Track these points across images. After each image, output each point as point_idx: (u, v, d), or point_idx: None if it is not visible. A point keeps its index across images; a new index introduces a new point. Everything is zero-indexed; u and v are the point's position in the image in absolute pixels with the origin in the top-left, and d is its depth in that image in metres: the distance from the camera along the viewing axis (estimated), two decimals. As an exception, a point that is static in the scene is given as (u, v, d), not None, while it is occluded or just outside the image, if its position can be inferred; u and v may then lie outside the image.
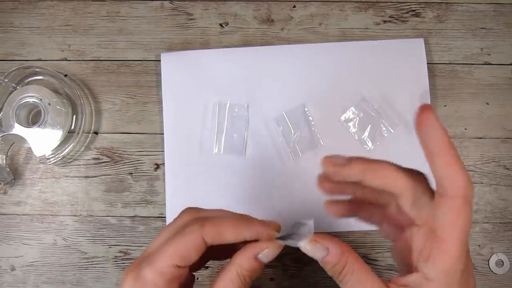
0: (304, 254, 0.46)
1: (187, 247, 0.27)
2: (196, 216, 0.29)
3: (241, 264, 0.28)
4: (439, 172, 0.24)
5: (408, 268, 0.27)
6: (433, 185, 0.25)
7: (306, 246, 0.28)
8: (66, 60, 0.46)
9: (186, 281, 0.29)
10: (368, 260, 0.44)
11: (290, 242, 0.29)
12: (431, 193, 0.26)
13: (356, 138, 0.44)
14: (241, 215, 0.30)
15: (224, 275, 0.28)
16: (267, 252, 0.28)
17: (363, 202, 0.31)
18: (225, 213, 0.30)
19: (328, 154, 0.29)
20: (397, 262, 0.29)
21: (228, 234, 0.27)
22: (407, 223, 0.27)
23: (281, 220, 0.45)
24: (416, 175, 0.27)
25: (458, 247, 0.24)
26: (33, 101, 0.43)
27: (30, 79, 0.45)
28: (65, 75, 0.46)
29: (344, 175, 0.28)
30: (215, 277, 0.30)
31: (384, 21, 0.47)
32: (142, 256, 0.28)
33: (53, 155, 0.43)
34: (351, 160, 0.28)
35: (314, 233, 0.27)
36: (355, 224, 0.44)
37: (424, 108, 0.24)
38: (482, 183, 0.45)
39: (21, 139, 0.43)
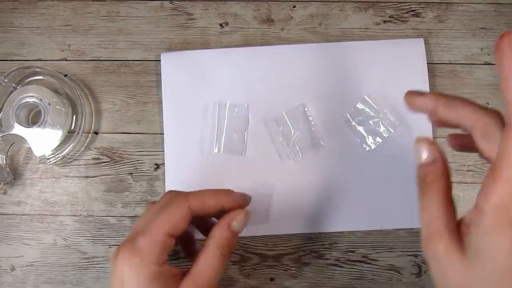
0: (303, 254, 0.46)
1: (177, 216, 0.30)
2: (178, 192, 0.33)
3: (216, 235, 0.31)
4: (505, 99, 0.23)
5: None
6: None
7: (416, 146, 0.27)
8: (66, 60, 0.46)
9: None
10: (368, 260, 0.44)
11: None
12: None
13: (356, 138, 0.44)
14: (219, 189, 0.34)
15: (204, 249, 0.31)
16: (238, 219, 0.32)
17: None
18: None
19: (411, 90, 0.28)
20: None
21: (210, 201, 0.31)
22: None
23: (282, 220, 0.45)
24: (491, 112, 0.27)
25: (509, 175, 0.22)
26: (33, 101, 0.43)
27: (30, 79, 0.45)
28: (65, 75, 0.46)
29: (420, 104, 0.28)
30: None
31: (384, 21, 0.47)
32: (132, 234, 0.31)
33: (53, 155, 0.43)
34: (426, 93, 0.28)
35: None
36: (355, 224, 0.44)
37: (502, 34, 0.23)
38: (482, 183, 0.45)
39: (21, 139, 0.43)
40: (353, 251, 0.44)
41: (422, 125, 0.44)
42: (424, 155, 0.26)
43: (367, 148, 0.44)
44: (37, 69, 0.44)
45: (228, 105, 0.44)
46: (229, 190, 0.33)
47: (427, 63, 0.45)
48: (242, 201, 0.34)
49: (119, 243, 0.44)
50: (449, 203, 0.25)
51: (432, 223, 0.24)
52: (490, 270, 0.22)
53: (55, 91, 0.45)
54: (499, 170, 0.22)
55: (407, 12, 0.47)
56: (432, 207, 0.24)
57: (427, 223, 0.24)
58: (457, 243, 0.23)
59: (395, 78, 0.45)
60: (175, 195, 0.32)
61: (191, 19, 0.47)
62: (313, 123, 0.44)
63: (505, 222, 0.22)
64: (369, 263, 0.44)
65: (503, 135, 0.22)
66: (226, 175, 0.44)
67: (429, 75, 0.45)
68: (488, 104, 0.45)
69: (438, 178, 0.25)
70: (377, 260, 0.44)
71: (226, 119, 0.44)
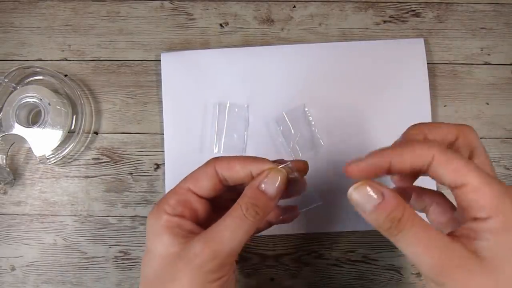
0: (303, 254, 0.46)
1: (200, 173, 0.30)
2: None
3: (243, 194, 0.28)
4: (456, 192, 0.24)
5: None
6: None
7: (359, 191, 0.25)
8: (66, 60, 0.46)
9: (202, 219, 0.30)
10: (368, 260, 0.44)
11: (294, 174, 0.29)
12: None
13: (357, 138, 0.44)
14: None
15: (230, 211, 0.27)
16: (267, 178, 0.28)
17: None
18: None
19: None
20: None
21: (236, 164, 0.29)
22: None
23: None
24: (436, 143, 0.26)
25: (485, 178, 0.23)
26: (33, 101, 0.43)
27: (30, 79, 0.45)
28: (65, 75, 0.46)
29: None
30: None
31: (384, 21, 0.47)
32: None
33: (53, 155, 0.43)
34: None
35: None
36: (355, 224, 0.44)
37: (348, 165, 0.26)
38: (482, 183, 0.45)
39: (21, 139, 0.43)
40: (353, 251, 0.44)
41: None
42: (374, 197, 0.24)
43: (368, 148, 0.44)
44: (37, 69, 0.44)
45: (228, 105, 0.44)
46: (262, 158, 0.30)
47: (427, 63, 0.45)
48: (271, 166, 0.29)
49: (119, 243, 0.44)
50: (430, 226, 0.24)
51: (437, 253, 0.23)
52: (504, 266, 0.22)
53: (55, 91, 0.45)
54: (472, 183, 0.23)
55: (407, 12, 0.47)
56: (424, 238, 0.23)
57: (432, 256, 0.23)
58: (470, 256, 0.23)
59: (395, 78, 0.45)
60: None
61: (191, 19, 0.47)
62: (313, 123, 0.44)
63: (508, 221, 0.23)
64: (369, 263, 0.44)
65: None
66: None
67: (429, 75, 0.45)
68: (488, 104, 0.45)
69: (405, 210, 0.24)
70: (377, 260, 0.44)
71: (226, 119, 0.44)
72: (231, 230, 0.26)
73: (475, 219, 0.24)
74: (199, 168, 0.30)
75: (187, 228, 0.28)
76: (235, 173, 0.29)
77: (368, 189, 0.25)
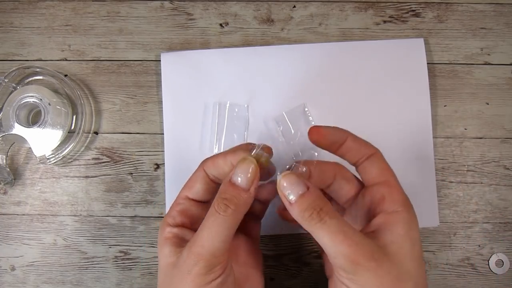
0: (303, 254, 0.46)
1: (193, 180, 0.30)
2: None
3: (218, 191, 0.28)
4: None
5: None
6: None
7: (287, 178, 0.27)
8: (66, 60, 0.46)
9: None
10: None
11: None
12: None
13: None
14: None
15: (208, 211, 0.27)
16: (238, 169, 0.28)
17: None
18: None
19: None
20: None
21: (220, 160, 0.29)
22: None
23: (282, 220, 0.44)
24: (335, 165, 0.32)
25: (397, 183, 0.30)
26: (33, 101, 0.43)
27: (30, 79, 0.45)
28: (65, 75, 0.46)
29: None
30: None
31: (384, 21, 0.47)
32: None
33: (53, 155, 0.43)
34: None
35: None
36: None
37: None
38: (482, 183, 0.45)
39: (21, 139, 0.43)
40: (353, 251, 0.44)
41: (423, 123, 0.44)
42: (301, 186, 0.27)
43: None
44: (37, 69, 0.44)
45: (228, 105, 0.44)
46: (239, 146, 0.30)
47: (427, 63, 0.45)
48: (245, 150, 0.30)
49: (119, 243, 0.44)
50: (347, 222, 0.27)
51: (353, 244, 0.25)
52: (405, 259, 0.26)
53: (55, 91, 0.45)
54: (391, 181, 0.30)
55: (407, 12, 0.47)
56: (343, 230, 0.26)
57: (349, 245, 0.25)
58: (379, 250, 0.26)
59: (395, 78, 0.45)
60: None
61: (191, 19, 0.47)
62: (313, 123, 0.44)
63: (412, 218, 0.28)
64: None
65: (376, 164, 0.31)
66: (226, 175, 0.44)
67: (429, 75, 0.45)
68: (488, 104, 0.45)
69: (327, 203, 0.27)
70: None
71: (226, 119, 0.44)
72: (208, 230, 0.26)
73: (385, 212, 0.28)
74: (192, 173, 0.31)
75: (187, 237, 0.29)
76: (220, 168, 0.29)
77: (296, 178, 0.27)
